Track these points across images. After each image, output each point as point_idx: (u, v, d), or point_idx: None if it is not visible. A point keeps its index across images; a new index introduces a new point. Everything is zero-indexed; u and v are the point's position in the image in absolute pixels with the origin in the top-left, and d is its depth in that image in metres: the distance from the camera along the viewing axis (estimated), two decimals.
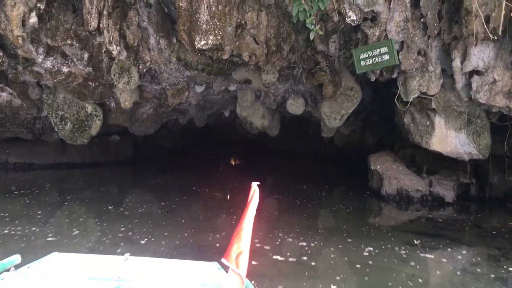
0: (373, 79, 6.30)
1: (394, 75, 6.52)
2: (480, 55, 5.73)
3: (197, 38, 6.21)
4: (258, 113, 10.26)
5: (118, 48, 7.09)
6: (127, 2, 7.03)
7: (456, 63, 5.88)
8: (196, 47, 6.28)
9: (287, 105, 9.51)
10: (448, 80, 6.42)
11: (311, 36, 4.28)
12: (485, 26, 5.45)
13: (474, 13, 5.32)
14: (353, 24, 5.27)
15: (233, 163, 18.26)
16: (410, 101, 6.54)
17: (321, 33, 4.26)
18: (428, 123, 6.66)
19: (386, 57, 5.07)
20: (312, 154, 16.87)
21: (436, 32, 5.82)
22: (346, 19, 5.19)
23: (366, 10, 5.13)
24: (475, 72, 5.84)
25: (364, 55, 5.22)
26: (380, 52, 5.09)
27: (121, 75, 7.25)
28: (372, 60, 5.18)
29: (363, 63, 5.29)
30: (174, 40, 7.31)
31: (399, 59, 5.09)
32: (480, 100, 5.83)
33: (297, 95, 9.44)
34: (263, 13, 6.39)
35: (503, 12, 5.34)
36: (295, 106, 9.43)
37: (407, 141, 9.27)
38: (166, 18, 7.26)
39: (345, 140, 13.93)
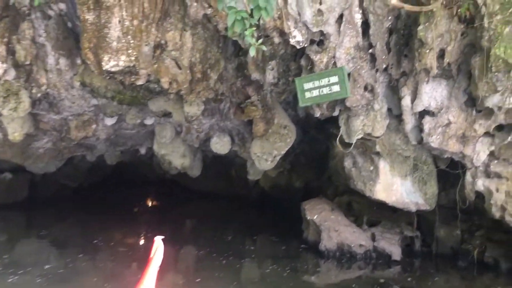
0: (318, 114, 5.44)
1: (335, 113, 5.74)
2: (433, 94, 5.10)
3: (106, 58, 5.05)
4: (178, 152, 9.06)
5: (4, 65, 5.71)
6: (19, 12, 5.72)
7: (406, 101, 5.21)
8: (104, 69, 5.11)
9: (211, 143, 8.44)
10: (393, 120, 5.75)
11: (252, 53, 3.35)
12: (439, 61, 4.85)
13: (429, 45, 4.69)
14: (298, 47, 4.42)
15: (150, 204, 16.68)
16: (353, 142, 5.76)
17: (264, 48, 3.36)
18: (372, 168, 5.90)
19: (336, 88, 4.24)
20: (236, 197, 15.80)
21: (384, 66, 5.14)
22: (290, 39, 4.34)
23: (314, 30, 4.31)
24: (426, 112, 5.20)
25: (310, 85, 4.36)
26: (329, 82, 4.25)
27: (6, 99, 5.83)
28: (319, 91, 4.32)
29: (308, 95, 4.41)
30: (78, 61, 6.05)
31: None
32: (433, 145, 5.16)
33: (222, 133, 8.41)
34: (188, 33, 5.39)
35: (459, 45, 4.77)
36: (220, 145, 8.39)
37: (344, 186, 8.54)
38: (69, 34, 6.01)
39: (271, 183, 13.07)
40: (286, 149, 7.09)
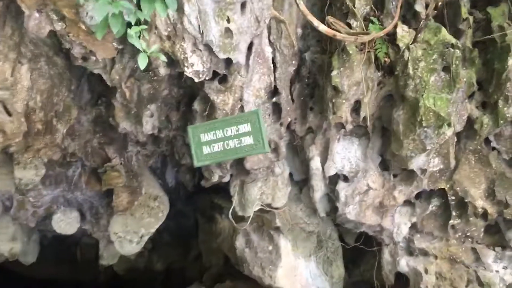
0: (216, 178, 4.14)
1: (226, 179, 4.52)
2: (345, 154, 4.23)
3: None
4: (6, 234, 6.79)
5: None
6: None
7: (316, 163, 4.23)
8: None
9: (53, 221, 6.45)
10: (293, 188, 4.74)
11: (142, 65, 2.06)
12: (352, 115, 4.04)
13: (346, 94, 3.85)
14: (196, 80, 3.18)
15: None
16: (250, 216, 4.56)
17: (163, 59, 2.11)
18: (271, 247, 4.70)
19: (247, 140, 2.98)
20: (81, 283, 13.15)
21: (289, 120, 4.15)
22: (186, 69, 3.09)
23: (221, 56, 3.13)
24: (337, 177, 4.27)
25: (210, 137, 3.05)
26: (237, 132, 3.01)
27: None
28: (224, 145, 3.03)
29: (206, 150, 3.06)
30: None
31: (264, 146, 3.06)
32: (349, 216, 4.20)
33: (69, 207, 6.54)
34: (25, 67, 3.81)
35: (376, 96, 4.03)
36: (66, 223, 6.44)
37: (222, 269, 7.21)
38: None
39: (127, 265, 11.03)
40: (157, 226, 5.57)
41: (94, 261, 11.52)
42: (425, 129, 3.66)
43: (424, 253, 4.28)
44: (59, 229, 6.45)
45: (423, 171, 4.00)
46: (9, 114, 3.74)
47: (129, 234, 5.45)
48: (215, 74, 3.37)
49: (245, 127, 3.01)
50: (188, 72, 3.15)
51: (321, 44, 4.29)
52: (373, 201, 4.18)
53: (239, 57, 3.24)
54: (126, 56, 3.32)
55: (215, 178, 4.08)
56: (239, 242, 4.82)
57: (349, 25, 3.88)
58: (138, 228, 5.47)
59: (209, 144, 3.11)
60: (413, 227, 4.30)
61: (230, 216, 4.49)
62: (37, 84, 3.91)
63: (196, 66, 3.12)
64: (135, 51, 2.82)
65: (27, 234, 7.38)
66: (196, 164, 3.15)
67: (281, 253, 4.64)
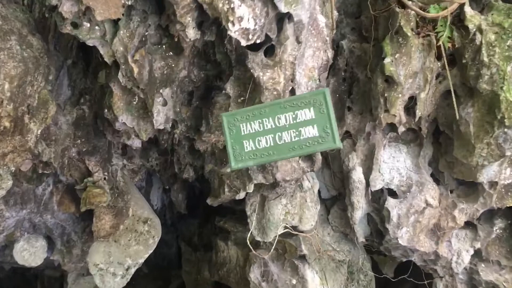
0: (242, 195, 3.22)
1: (240, 195, 3.64)
2: (394, 164, 3.44)
3: None
4: None
5: None
6: None
7: (358, 175, 3.41)
8: None
9: (14, 251, 5.34)
10: (320, 207, 3.89)
11: None
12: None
13: (402, 86, 3.09)
14: (243, 43, 2.31)
15: None
16: (270, 241, 3.68)
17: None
18: (295, 281, 3.80)
19: (310, 131, 2.14)
20: None
21: None
22: (230, 27, 2.22)
23: (282, 8, 2.29)
24: (382, 192, 3.47)
25: (254, 127, 2.18)
26: (295, 119, 2.16)
27: None
28: (275, 139, 2.17)
29: (249, 146, 2.17)
30: None
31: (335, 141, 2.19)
32: (401, 241, 3.38)
33: (35, 234, 5.45)
34: None
35: (434, 92, 3.29)
36: (30, 254, 5.36)
37: None
38: None
39: None
40: (147, 255, 4.57)
41: None
42: (506, 129, 2.92)
43: (493, 287, 3.48)
44: (22, 260, 5.33)
45: (493, 184, 3.23)
46: None
47: (113, 265, 4.43)
48: (259, 44, 2.51)
49: (306, 113, 2.16)
50: (233, 31, 2.29)
51: (357, 32, 3.56)
52: (428, 222, 3.38)
53: (301, 14, 2.42)
54: (135, 19, 2.47)
55: (244, 191, 3.17)
56: (254, 274, 3.90)
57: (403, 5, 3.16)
58: (123, 258, 4.46)
59: (252, 138, 2.23)
60: (476, 254, 3.51)
61: (248, 241, 3.57)
62: (5, 68, 2.98)
63: (245, 21, 2.26)
64: (148, 10, 1.98)
65: None
66: (234, 166, 2.27)
67: (308, 287, 3.75)
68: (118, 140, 4.35)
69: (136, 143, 3.56)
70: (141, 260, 4.54)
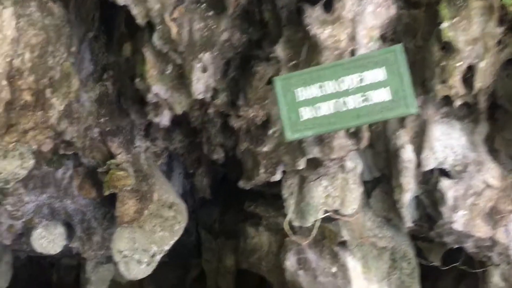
0: (279, 176, 2.97)
1: (276, 177, 3.38)
2: (447, 142, 3.14)
3: None
4: None
5: None
6: None
7: (407, 154, 3.11)
8: None
9: (32, 238, 5.12)
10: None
11: None
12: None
13: (462, 53, 2.79)
14: None
15: None
16: (307, 227, 3.42)
17: None
18: (335, 269, 3.54)
19: (381, 94, 1.84)
20: None
21: None
22: None
23: None
24: (441, 172, 3.18)
25: (313, 92, 1.90)
26: (361, 81, 1.86)
27: None
28: (338, 105, 1.87)
29: (306, 113, 1.89)
30: None
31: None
32: (456, 226, 3.09)
33: (53, 220, 5.25)
34: (9, 10, 2.63)
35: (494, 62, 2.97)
36: (49, 241, 5.11)
37: None
38: None
39: None
40: (173, 242, 4.32)
41: (73, 285, 10.13)
42: None
43: None
44: (40, 247, 5.11)
45: None
46: None
47: (138, 252, 4.19)
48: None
49: (376, 75, 1.87)
50: None
51: None
52: (485, 205, 3.09)
53: None
54: None
55: (292, 168, 2.89)
56: (290, 262, 3.64)
57: None
58: (148, 245, 4.22)
59: (311, 104, 1.95)
60: None
61: (286, 227, 3.31)
62: (26, 36, 2.72)
63: None
64: None
65: None
66: (290, 136, 1.99)
67: (350, 276, 3.48)
68: (143, 119, 4.11)
69: (164, 121, 3.30)
70: (167, 247, 4.29)
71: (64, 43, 2.96)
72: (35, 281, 10.79)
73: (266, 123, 3.02)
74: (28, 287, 10.92)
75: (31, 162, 3.01)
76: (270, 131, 3.02)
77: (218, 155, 3.76)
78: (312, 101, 1.95)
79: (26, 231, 5.31)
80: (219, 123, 3.37)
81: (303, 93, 1.96)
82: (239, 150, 3.43)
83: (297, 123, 1.95)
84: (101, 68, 3.65)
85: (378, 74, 1.86)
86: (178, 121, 4.21)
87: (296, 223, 3.40)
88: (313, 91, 1.94)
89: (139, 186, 4.22)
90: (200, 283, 8.41)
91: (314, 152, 2.70)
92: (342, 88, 1.92)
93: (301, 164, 2.81)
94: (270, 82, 2.78)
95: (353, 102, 1.91)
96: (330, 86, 1.93)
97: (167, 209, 4.32)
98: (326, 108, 1.94)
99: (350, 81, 1.91)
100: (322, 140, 2.62)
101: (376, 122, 2.39)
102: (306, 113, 1.96)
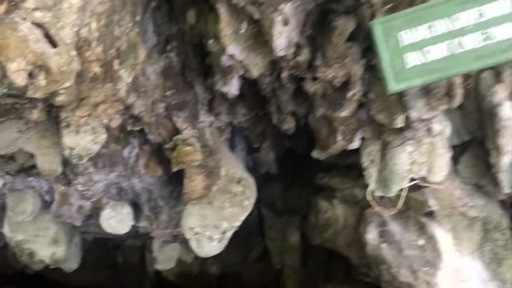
0: (357, 144, 2.74)
1: (354, 144, 3.14)
2: None
3: None
4: (45, 236, 5.59)
5: None
6: None
7: (506, 111, 2.80)
8: None
9: (101, 218, 5.17)
10: None
11: None
12: None
13: None
14: None
15: None
16: (392, 196, 3.17)
17: None
18: (422, 241, 3.28)
19: (507, 31, 1.62)
20: None
21: None
22: None
23: None
24: None
25: (420, 34, 1.65)
26: (480, 16, 1.60)
27: None
28: (452, 47, 1.62)
29: (413, 60, 1.68)
30: None
31: None
32: None
33: (121, 201, 5.26)
34: None
35: None
36: (117, 221, 5.17)
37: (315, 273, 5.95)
38: None
39: (179, 270, 9.71)
40: (243, 218, 4.20)
41: (138, 266, 10.33)
42: None
43: None
44: (109, 228, 5.15)
45: None
46: (54, 45, 2.43)
47: (208, 229, 4.10)
48: None
49: (499, 7, 1.60)
50: None
51: None
52: None
53: None
54: None
55: (391, 126, 2.64)
56: (371, 235, 3.40)
57: None
58: (219, 221, 4.12)
59: (418, 49, 1.70)
60: None
61: (369, 197, 3.07)
62: (92, 4, 2.60)
63: None
64: None
65: (68, 235, 6.18)
66: (394, 88, 1.75)
67: (440, 249, 3.21)
68: (207, 93, 3.99)
69: (232, 90, 3.13)
70: (237, 223, 4.18)
71: (130, 11, 2.83)
72: (101, 263, 11.12)
73: (345, 85, 2.78)
74: (95, 269, 11.28)
75: (103, 137, 2.93)
76: (350, 94, 2.78)
77: (289, 124, 3.56)
78: (419, 45, 1.69)
79: (95, 211, 5.37)
80: (292, 88, 3.15)
81: (408, 36, 1.71)
82: (313, 117, 3.22)
83: (402, 72, 1.71)
84: (164, 39, 3.52)
85: (502, 6, 1.58)
86: (242, 95, 4.05)
87: (378, 193, 3.15)
88: (420, 33, 1.68)
89: (206, 162, 4.10)
90: (263, 261, 8.34)
91: (419, 105, 2.43)
92: (456, 27, 1.64)
93: (399, 122, 2.55)
94: (350, 38, 2.54)
95: (471, 42, 1.64)
96: (441, 26, 1.66)
97: (235, 184, 4.19)
98: (437, 52, 1.68)
99: (466, 17, 1.64)
100: (429, 90, 2.33)
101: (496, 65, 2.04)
102: (412, 59, 1.71)
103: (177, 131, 3.98)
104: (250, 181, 4.22)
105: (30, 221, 5.27)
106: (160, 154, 4.36)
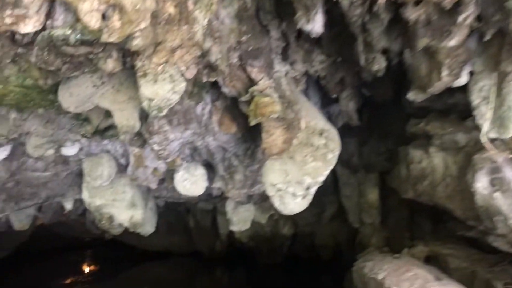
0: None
1: (461, 80, 2.73)
2: None
3: None
4: (123, 200, 5.61)
5: None
6: None
7: None
8: None
9: (176, 180, 5.07)
10: None
11: None
12: None
13: None
14: None
15: (87, 270, 12.71)
16: (509, 137, 2.75)
17: None
18: None
19: None
20: (197, 255, 12.10)
21: None
22: None
23: None
24: None
25: None
26: None
27: None
28: None
29: None
30: None
31: None
32: None
33: (194, 162, 5.12)
34: None
35: None
36: (191, 183, 5.06)
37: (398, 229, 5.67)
38: None
39: (251, 231, 9.61)
40: (327, 172, 3.90)
41: (210, 229, 10.40)
42: None
43: None
44: (184, 189, 5.04)
45: None
46: None
47: (291, 185, 3.83)
48: None
49: None
50: None
51: None
52: None
53: None
54: None
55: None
56: (482, 184, 3.00)
57: None
58: (301, 177, 3.83)
59: None
60: None
61: (484, 139, 2.67)
62: None
63: None
64: None
65: (144, 199, 6.21)
66: None
67: None
68: (281, 41, 3.68)
69: (316, 28, 2.80)
70: (321, 178, 3.87)
71: None
72: (173, 227, 11.29)
73: (456, 7, 2.36)
74: (167, 233, 11.48)
75: (182, 85, 2.70)
76: (461, 17, 2.36)
77: (379, 64, 3.17)
78: None
79: (168, 175, 5.29)
80: (387, 20, 2.76)
81: None
82: (410, 52, 2.81)
83: None
84: None
85: None
86: (319, 39, 3.71)
87: (493, 135, 2.74)
88: None
89: (285, 114, 3.80)
90: (337, 220, 8.07)
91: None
92: None
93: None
94: None
95: None
96: None
97: (317, 136, 3.87)
98: None
99: None
100: None
101: None
102: None
103: (252, 83, 3.71)
104: (333, 132, 3.89)
105: (107, 185, 5.29)
106: (233, 110, 4.14)
